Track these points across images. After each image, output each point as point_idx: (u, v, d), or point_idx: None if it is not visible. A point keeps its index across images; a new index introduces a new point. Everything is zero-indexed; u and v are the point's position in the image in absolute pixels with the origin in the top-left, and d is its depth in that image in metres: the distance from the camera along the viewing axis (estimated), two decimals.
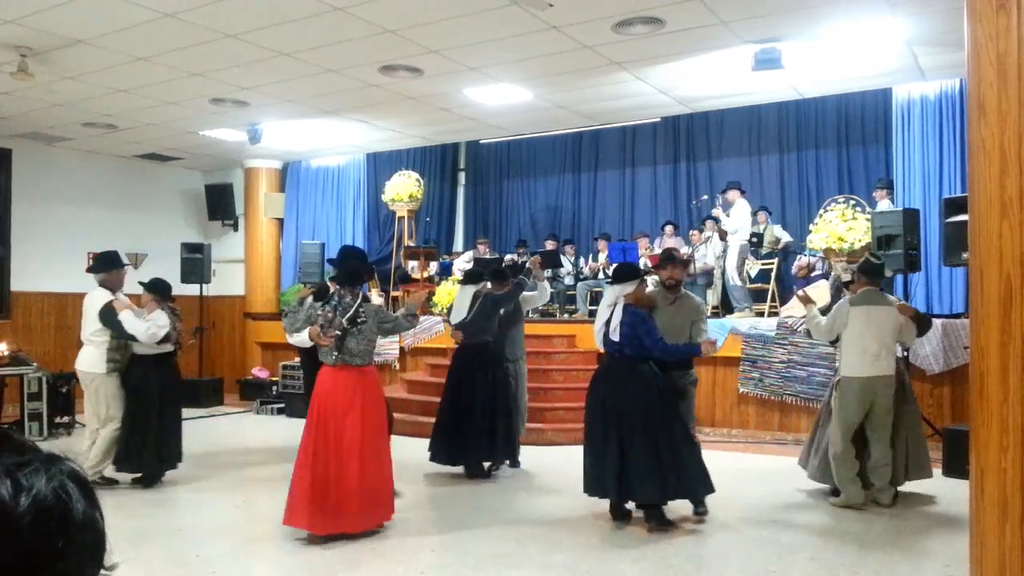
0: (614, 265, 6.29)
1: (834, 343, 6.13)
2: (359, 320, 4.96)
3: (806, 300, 6.20)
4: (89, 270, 6.64)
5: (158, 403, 6.35)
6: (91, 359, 6.32)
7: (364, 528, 5.00)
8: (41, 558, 0.76)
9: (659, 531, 5.13)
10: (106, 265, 6.45)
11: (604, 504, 5.36)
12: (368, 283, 5.68)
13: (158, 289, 6.39)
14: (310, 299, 5.97)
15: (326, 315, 5.04)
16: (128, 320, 6.13)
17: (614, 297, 5.30)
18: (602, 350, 5.48)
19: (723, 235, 10.24)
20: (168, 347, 6.40)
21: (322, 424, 4.94)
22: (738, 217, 10.05)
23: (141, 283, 6.57)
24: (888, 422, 5.79)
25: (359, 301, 5.05)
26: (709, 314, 9.94)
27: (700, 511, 5.44)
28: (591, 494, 5.37)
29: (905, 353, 7.62)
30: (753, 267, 10.27)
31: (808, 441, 6.38)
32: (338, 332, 4.94)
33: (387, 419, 5.44)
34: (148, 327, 6.15)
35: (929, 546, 4.92)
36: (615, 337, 5.21)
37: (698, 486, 5.20)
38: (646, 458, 5.04)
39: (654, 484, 5.06)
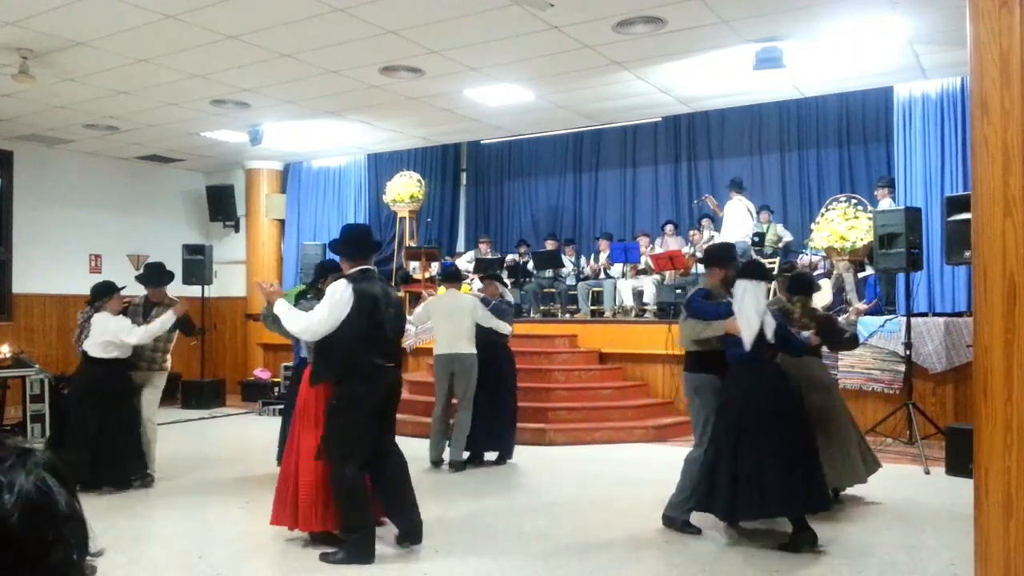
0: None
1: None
2: None
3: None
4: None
5: None
6: None
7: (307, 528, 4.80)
8: (32, 552, 0.76)
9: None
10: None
11: (605, 505, 5.33)
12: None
13: None
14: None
15: None
16: None
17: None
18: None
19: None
20: None
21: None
22: (731, 216, 10.04)
23: None
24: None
25: None
26: None
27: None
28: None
29: (908, 352, 7.63)
30: None
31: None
32: None
33: None
34: None
35: (933, 544, 4.92)
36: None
37: None
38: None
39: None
